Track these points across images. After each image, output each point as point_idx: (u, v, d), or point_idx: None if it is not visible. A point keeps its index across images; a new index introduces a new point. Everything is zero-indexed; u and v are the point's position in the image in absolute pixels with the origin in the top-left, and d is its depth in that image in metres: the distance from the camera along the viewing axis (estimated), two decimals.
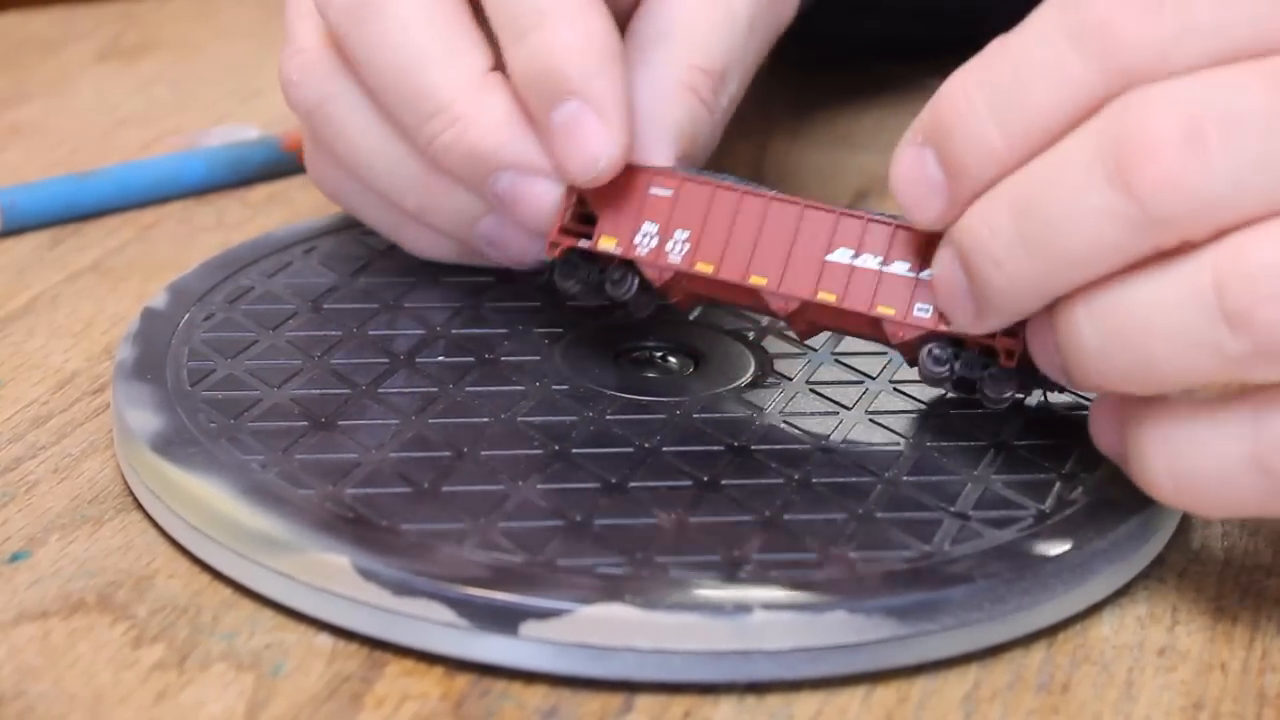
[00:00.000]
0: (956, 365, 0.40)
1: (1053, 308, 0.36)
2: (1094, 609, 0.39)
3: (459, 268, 0.48)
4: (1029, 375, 0.39)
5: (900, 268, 0.39)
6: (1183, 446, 0.35)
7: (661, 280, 0.42)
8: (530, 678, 0.36)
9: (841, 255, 0.40)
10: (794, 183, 0.60)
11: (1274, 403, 0.34)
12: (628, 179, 0.42)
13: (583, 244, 0.42)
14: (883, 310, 0.40)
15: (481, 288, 0.47)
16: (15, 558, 0.39)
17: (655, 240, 0.41)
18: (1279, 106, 0.33)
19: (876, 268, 0.40)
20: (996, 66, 0.36)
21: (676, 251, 0.41)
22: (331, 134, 0.45)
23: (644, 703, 0.36)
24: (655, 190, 0.42)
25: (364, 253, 0.49)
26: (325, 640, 0.37)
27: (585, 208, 0.42)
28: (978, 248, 0.36)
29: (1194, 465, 0.35)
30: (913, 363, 0.40)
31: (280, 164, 0.59)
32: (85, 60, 0.69)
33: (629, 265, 0.42)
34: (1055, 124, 0.35)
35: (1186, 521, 0.42)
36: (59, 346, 0.48)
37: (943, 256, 0.38)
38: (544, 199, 0.42)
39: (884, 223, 0.40)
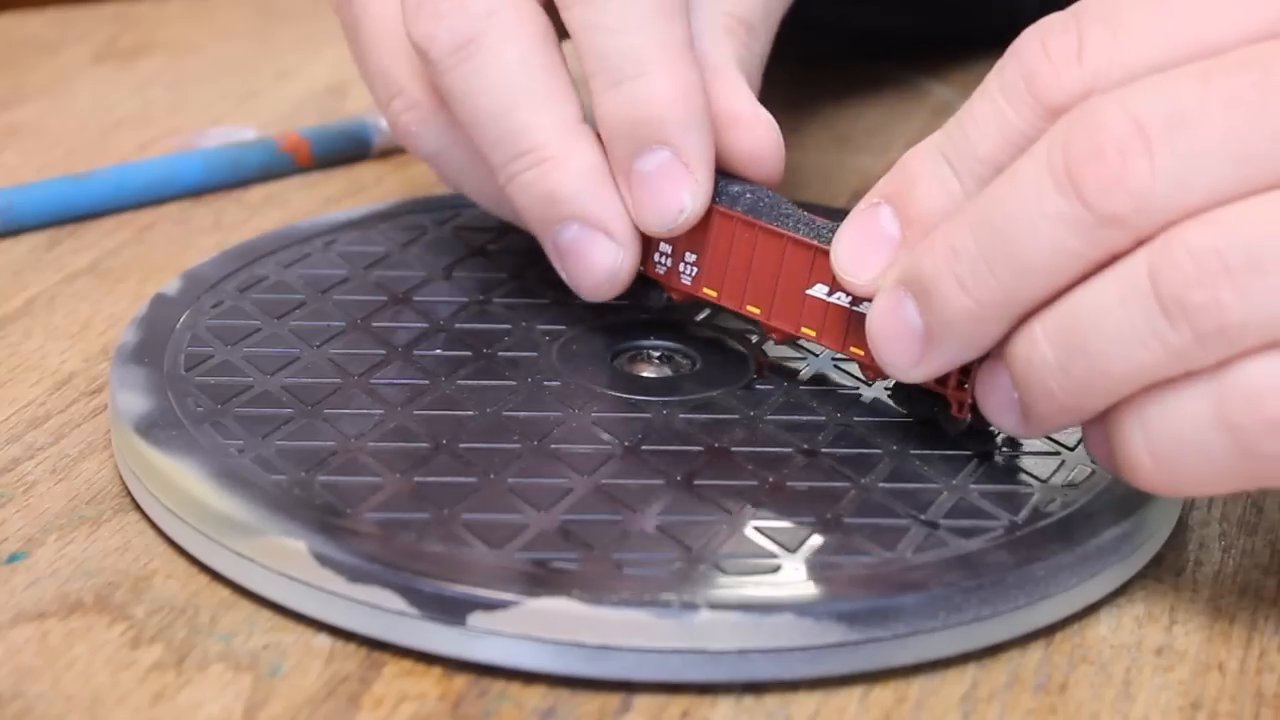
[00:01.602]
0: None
1: (1006, 342, 0.37)
2: (1091, 609, 0.39)
3: (474, 265, 0.48)
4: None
5: (868, 307, 0.40)
6: (1154, 418, 0.36)
7: (681, 299, 0.44)
8: (528, 678, 0.36)
9: (819, 290, 0.41)
10: (793, 183, 0.60)
11: (1231, 365, 0.35)
12: None
13: None
14: (855, 350, 0.41)
15: (493, 284, 0.48)
16: (13, 558, 0.39)
17: (670, 261, 0.43)
18: (1215, 103, 0.35)
19: (847, 305, 0.41)
20: (950, 127, 0.38)
21: (687, 274, 0.43)
22: (452, 174, 0.47)
23: (642, 703, 0.36)
24: None
25: (384, 247, 0.49)
26: (323, 641, 0.37)
27: None
28: (942, 270, 0.37)
29: (1166, 435, 0.36)
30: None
31: (278, 165, 0.59)
32: (82, 61, 0.69)
33: None
34: (1001, 162, 0.37)
35: (1184, 521, 0.42)
36: (56, 348, 0.48)
37: (886, 300, 0.38)
38: (602, 259, 0.43)
39: None
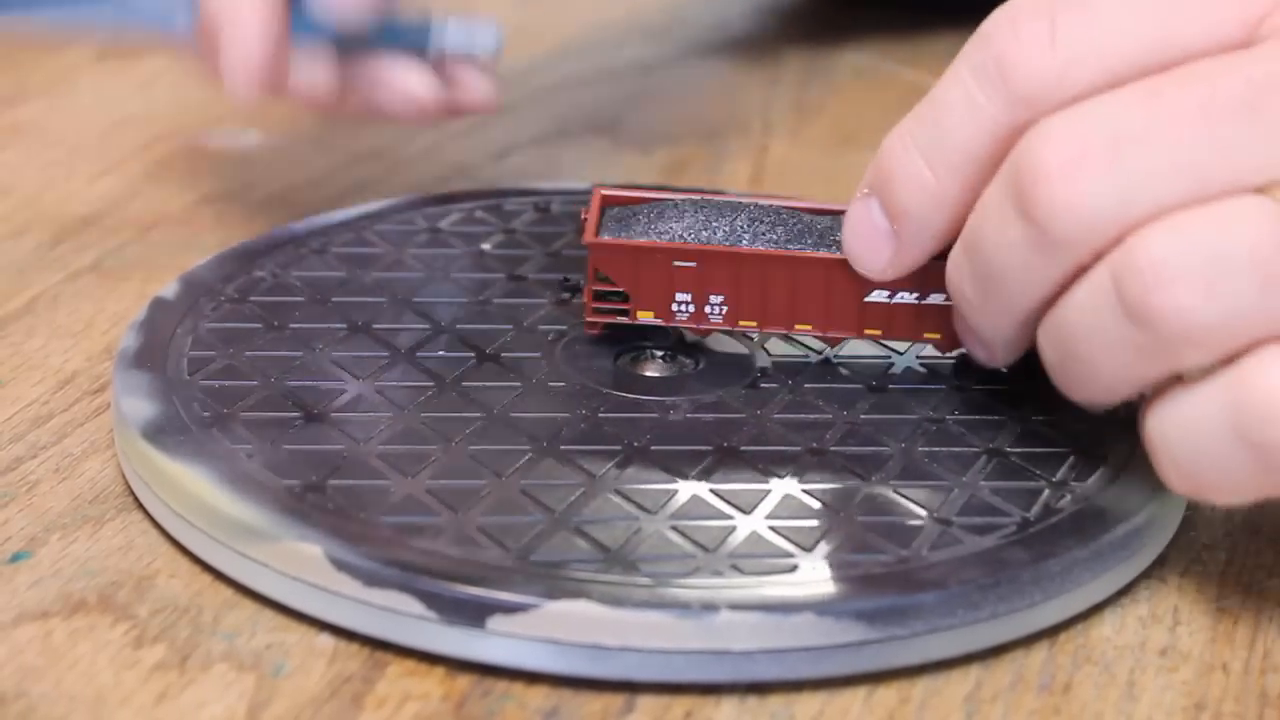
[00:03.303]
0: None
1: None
2: (1096, 609, 0.39)
3: (472, 265, 0.48)
4: None
5: (938, 298, 0.42)
6: (1173, 430, 0.36)
7: (705, 335, 0.44)
8: (532, 678, 0.36)
9: (878, 296, 0.42)
10: (795, 183, 0.60)
11: (1244, 373, 0.35)
12: (649, 258, 0.43)
13: (621, 320, 0.43)
14: (929, 336, 0.42)
15: (492, 284, 0.48)
16: (16, 558, 0.39)
17: (692, 307, 0.43)
18: (1160, 115, 0.35)
19: (913, 302, 0.42)
20: (922, 112, 0.39)
21: (716, 313, 0.43)
22: None
23: (645, 703, 0.36)
24: (679, 263, 0.43)
25: (380, 249, 0.49)
26: (326, 640, 0.37)
27: (606, 282, 0.43)
28: (953, 288, 0.39)
29: (1186, 447, 0.36)
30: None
31: None
32: (85, 60, 0.69)
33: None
34: (976, 154, 0.38)
35: (1188, 521, 0.42)
36: (59, 347, 0.48)
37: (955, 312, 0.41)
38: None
39: None
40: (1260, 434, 0.35)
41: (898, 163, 0.39)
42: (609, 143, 0.64)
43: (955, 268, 0.39)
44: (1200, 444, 0.36)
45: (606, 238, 0.43)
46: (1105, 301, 0.36)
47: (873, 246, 0.40)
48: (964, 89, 0.38)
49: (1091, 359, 0.37)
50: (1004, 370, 0.42)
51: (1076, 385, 0.38)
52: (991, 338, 0.40)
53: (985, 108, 0.37)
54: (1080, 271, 0.36)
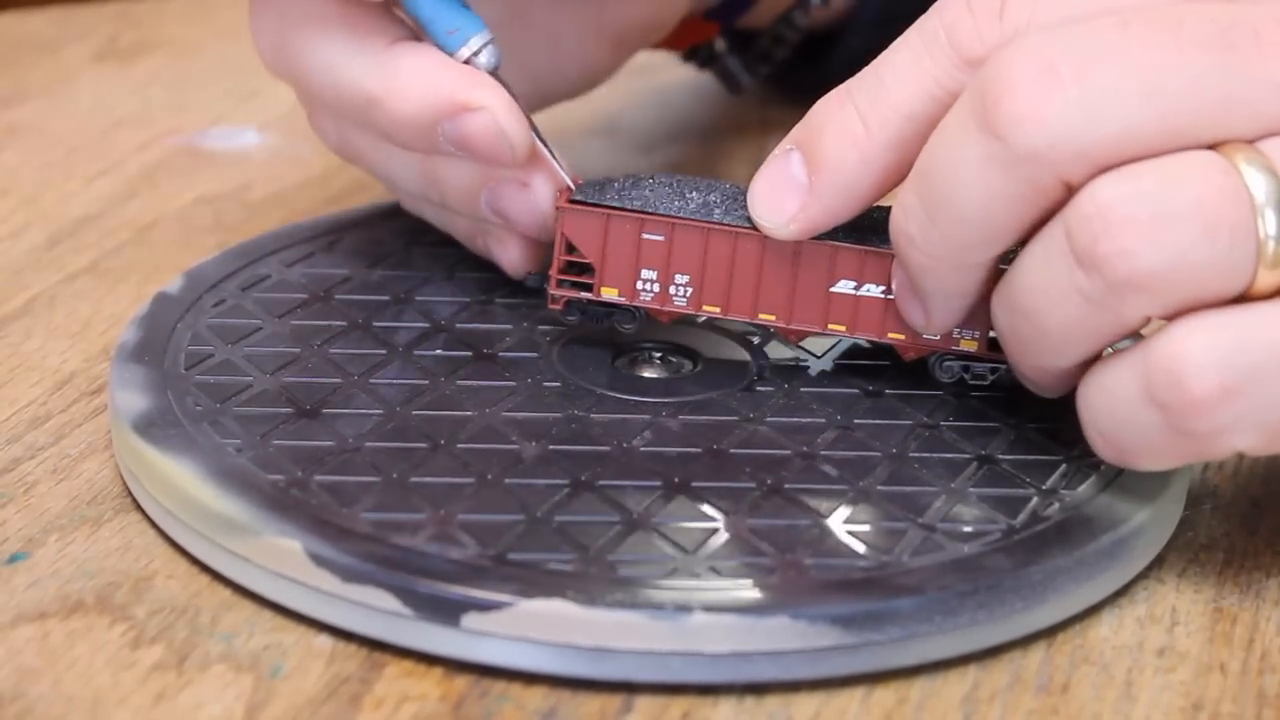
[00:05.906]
0: (967, 376, 0.42)
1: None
2: (1093, 610, 0.39)
3: (477, 265, 0.48)
4: None
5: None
6: (1096, 397, 0.38)
7: (669, 321, 0.43)
8: (529, 678, 0.36)
9: (844, 286, 0.42)
10: None
11: (1155, 339, 0.36)
12: (618, 227, 0.42)
13: (585, 296, 0.43)
14: (893, 336, 0.42)
15: (495, 284, 0.48)
16: (14, 559, 0.39)
17: (657, 286, 0.43)
18: (1130, 42, 0.36)
19: (880, 295, 0.41)
20: (865, 73, 0.39)
21: (681, 295, 0.43)
22: (359, 161, 0.48)
23: (643, 704, 0.36)
24: (648, 235, 0.42)
25: (387, 247, 0.50)
26: (324, 641, 0.37)
27: (575, 254, 0.43)
28: (897, 232, 0.39)
29: (1106, 414, 0.37)
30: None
31: None
32: (82, 60, 0.69)
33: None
34: (912, 111, 0.38)
35: (1186, 522, 0.42)
36: (56, 348, 0.48)
37: (894, 266, 0.41)
38: (482, 125, 0.42)
39: (881, 253, 0.41)
40: (1166, 395, 0.36)
41: (831, 115, 0.39)
42: (609, 143, 0.64)
43: (901, 208, 0.39)
44: (1118, 409, 0.37)
45: (577, 200, 0.43)
46: (1057, 251, 0.36)
47: (781, 198, 0.40)
48: (911, 51, 0.38)
49: (1039, 313, 0.37)
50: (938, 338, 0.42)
51: (1026, 349, 0.38)
52: (930, 287, 0.39)
53: (929, 68, 0.38)
54: (1043, 201, 0.36)
